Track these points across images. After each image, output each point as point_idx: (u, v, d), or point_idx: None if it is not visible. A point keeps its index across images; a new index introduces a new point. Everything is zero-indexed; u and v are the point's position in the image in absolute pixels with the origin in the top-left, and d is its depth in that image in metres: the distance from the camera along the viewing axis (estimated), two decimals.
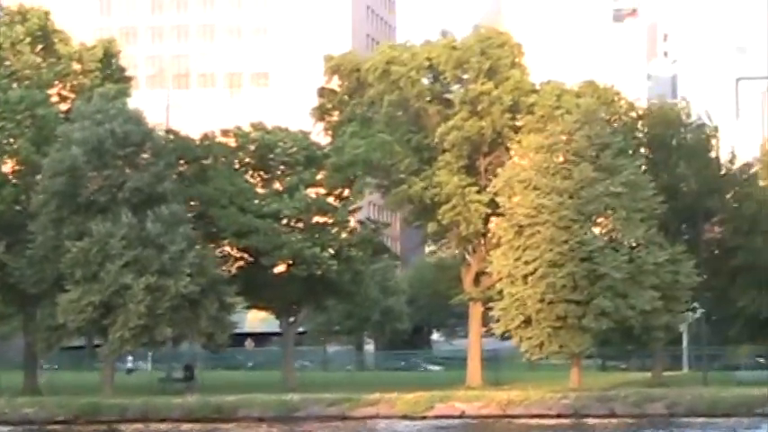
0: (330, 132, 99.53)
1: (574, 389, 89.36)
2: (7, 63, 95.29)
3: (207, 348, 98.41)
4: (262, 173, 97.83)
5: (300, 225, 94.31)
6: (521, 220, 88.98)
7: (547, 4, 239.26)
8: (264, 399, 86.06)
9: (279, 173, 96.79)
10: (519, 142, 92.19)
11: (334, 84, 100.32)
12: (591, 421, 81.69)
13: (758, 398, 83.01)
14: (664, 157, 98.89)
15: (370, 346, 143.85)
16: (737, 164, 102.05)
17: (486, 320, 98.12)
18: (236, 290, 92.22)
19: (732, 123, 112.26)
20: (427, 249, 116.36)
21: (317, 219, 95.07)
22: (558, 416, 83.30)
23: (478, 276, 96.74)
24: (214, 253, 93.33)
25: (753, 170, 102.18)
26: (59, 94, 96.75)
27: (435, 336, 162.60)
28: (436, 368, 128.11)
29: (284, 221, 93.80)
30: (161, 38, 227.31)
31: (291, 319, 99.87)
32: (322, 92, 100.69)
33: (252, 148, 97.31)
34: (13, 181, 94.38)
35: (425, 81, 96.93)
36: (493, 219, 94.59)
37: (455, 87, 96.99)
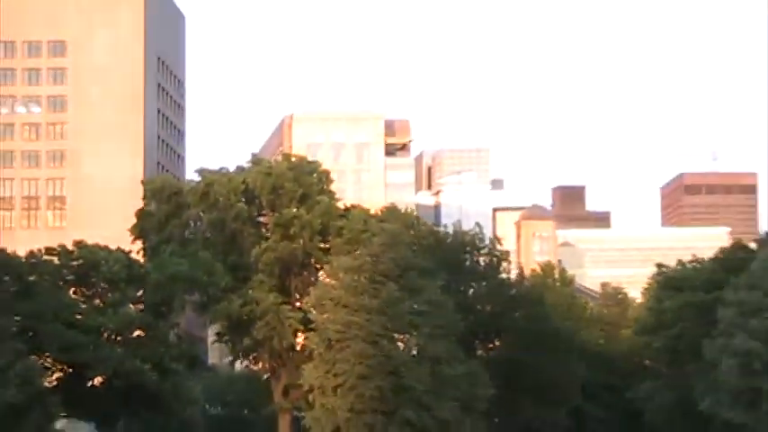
0: (148, 252, 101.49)
1: None
2: None
3: None
4: (84, 289, 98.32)
5: (120, 339, 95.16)
6: (331, 335, 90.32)
7: (325, 134, 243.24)
8: None
9: (101, 289, 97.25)
10: (329, 263, 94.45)
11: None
12: None
13: None
14: (460, 278, 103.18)
15: None
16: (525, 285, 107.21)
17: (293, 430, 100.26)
18: (58, 400, 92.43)
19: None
20: (238, 364, 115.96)
21: (137, 332, 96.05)
22: None
23: (287, 388, 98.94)
24: (38, 365, 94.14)
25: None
26: None
27: None
28: None
29: (106, 335, 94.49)
30: None
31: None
32: (140, 213, 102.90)
33: (75, 265, 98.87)
34: None
35: (241, 204, 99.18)
36: (302, 334, 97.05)
37: (268, 211, 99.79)
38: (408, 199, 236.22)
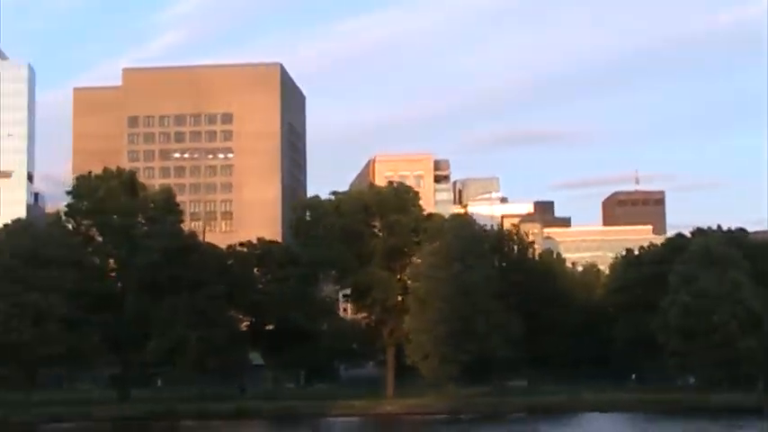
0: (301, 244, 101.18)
1: (451, 398, 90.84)
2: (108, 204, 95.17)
3: None
4: (263, 268, 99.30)
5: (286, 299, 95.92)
6: (422, 296, 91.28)
7: (395, 169, 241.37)
8: None
9: (273, 267, 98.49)
10: (419, 251, 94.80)
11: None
12: (463, 416, 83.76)
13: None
14: (500, 258, 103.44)
15: None
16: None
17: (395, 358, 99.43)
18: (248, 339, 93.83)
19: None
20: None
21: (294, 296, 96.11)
22: (440, 414, 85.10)
23: (392, 331, 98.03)
24: (235, 316, 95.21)
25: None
26: (139, 222, 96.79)
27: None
28: None
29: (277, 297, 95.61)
30: None
31: None
32: (296, 220, 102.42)
33: (256, 253, 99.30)
34: (112, 273, 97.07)
35: (362, 214, 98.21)
36: (401, 297, 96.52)
37: (378, 217, 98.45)
38: (448, 212, 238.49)
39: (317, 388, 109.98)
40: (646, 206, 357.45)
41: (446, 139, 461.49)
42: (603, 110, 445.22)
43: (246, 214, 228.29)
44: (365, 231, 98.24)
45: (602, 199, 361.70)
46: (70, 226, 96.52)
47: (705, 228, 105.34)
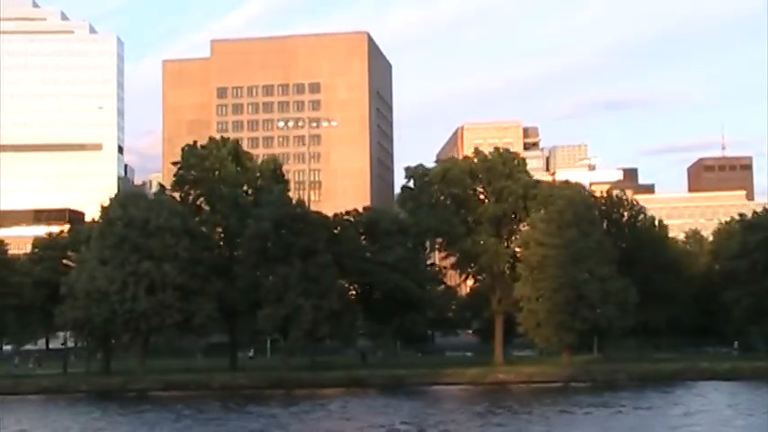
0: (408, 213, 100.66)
1: (566, 366, 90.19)
2: (216, 174, 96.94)
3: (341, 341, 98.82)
4: (370, 237, 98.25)
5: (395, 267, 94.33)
6: (534, 264, 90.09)
7: (484, 137, 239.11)
8: None
9: (381, 236, 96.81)
10: (529, 217, 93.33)
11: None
12: (574, 385, 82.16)
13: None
14: (611, 224, 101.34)
15: None
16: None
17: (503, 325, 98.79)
18: (359, 307, 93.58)
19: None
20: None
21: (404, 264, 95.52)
22: (555, 381, 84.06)
23: (500, 299, 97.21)
24: (345, 285, 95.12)
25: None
26: (245, 191, 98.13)
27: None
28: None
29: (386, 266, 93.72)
30: None
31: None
32: (403, 188, 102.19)
33: (363, 221, 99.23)
34: (220, 242, 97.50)
35: (469, 180, 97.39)
36: (508, 265, 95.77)
37: (485, 184, 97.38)
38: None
39: (417, 357, 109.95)
40: (733, 171, 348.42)
41: (531, 108, 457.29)
42: (686, 76, 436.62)
43: (335, 184, 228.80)
44: (472, 198, 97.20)
45: (687, 165, 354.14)
46: (177, 196, 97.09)
47: None
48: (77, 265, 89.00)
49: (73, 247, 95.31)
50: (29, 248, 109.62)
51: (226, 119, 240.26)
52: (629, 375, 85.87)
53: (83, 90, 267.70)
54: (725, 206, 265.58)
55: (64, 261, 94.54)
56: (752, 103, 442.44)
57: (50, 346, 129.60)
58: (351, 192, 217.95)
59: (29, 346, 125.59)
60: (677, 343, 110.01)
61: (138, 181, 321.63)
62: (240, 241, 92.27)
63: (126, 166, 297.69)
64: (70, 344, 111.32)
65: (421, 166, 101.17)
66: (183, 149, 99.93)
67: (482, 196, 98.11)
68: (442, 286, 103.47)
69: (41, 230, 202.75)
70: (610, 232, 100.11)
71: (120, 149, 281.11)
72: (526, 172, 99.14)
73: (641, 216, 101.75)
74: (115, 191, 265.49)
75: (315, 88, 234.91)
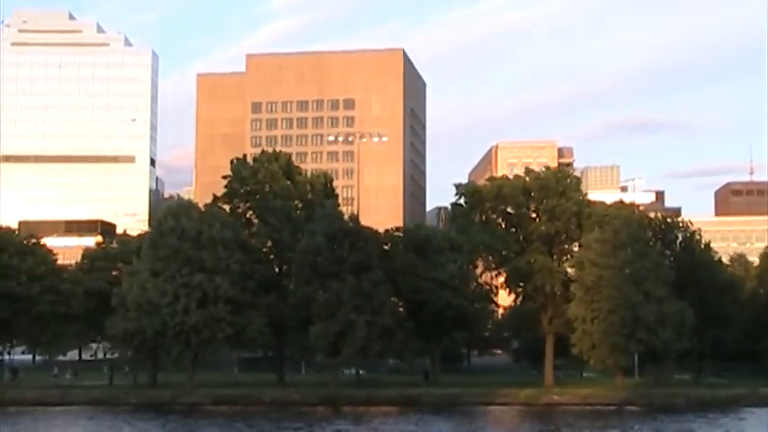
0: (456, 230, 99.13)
1: (619, 389, 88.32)
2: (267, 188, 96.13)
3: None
4: (420, 253, 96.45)
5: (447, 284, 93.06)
6: (589, 284, 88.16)
7: (518, 157, 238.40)
8: None
9: (431, 253, 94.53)
10: (582, 237, 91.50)
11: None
12: (629, 408, 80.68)
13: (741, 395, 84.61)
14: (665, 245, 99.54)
15: None
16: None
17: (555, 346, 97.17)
18: (411, 325, 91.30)
19: None
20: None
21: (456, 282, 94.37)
22: (611, 404, 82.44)
23: (551, 319, 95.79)
24: (396, 302, 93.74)
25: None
26: (296, 206, 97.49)
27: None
28: None
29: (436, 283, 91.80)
30: None
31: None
32: (453, 206, 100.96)
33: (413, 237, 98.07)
34: (271, 256, 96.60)
35: (522, 197, 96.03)
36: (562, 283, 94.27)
37: (538, 203, 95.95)
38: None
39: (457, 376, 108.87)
40: (761, 196, 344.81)
41: (558, 129, 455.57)
42: (714, 99, 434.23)
43: (369, 201, 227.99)
44: (524, 216, 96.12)
45: (713, 189, 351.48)
46: (228, 209, 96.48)
47: None
48: (128, 276, 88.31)
49: (123, 257, 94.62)
50: (60, 259, 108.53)
51: (260, 133, 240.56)
52: (687, 399, 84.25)
53: (117, 102, 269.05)
54: (757, 231, 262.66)
55: (113, 272, 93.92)
56: None
57: (83, 356, 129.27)
58: (384, 209, 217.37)
59: (60, 357, 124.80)
60: (722, 368, 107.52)
61: (165, 194, 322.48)
62: (291, 255, 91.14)
63: (157, 178, 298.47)
64: (101, 355, 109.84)
65: (472, 183, 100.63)
66: (232, 162, 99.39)
67: (533, 215, 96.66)
68: (492, 305, 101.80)
69: (73, 242, 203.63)
70: (663, 254, 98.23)
71: (153, 162, 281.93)
72: (579, 191, 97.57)
73: (696, 238, 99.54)
74: (147, 203, 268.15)
75: (349, 104, 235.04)
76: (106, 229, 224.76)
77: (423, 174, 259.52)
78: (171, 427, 63.95)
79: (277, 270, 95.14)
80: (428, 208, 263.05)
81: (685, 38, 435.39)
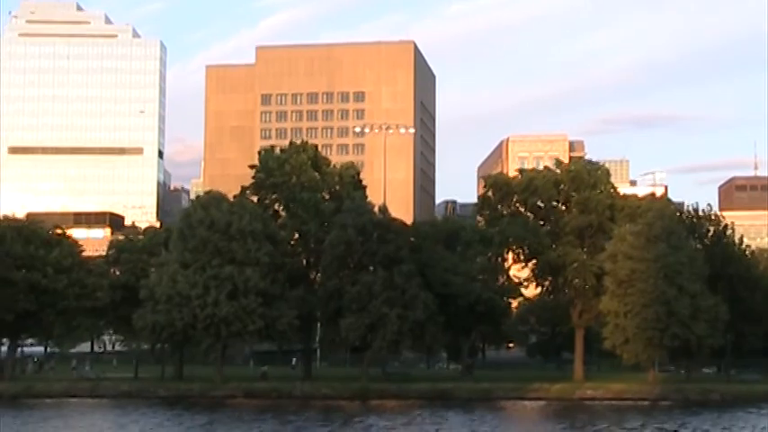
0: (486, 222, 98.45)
1: (652, 383, 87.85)
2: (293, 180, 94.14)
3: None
4: (449, 246, 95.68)
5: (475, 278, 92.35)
6: (622, 277, 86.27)
7: (529, 150, 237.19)
8: None
9: (461, 247, 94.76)
10: (616, 230, 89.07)
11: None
12: (663, 403, 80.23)
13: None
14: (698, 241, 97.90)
15: None
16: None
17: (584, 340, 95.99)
18: (442, 319, 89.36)
19: None
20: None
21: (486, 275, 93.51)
22: (644, 399, 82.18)
23: (581, 313, 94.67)
24: (426, 296, 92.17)
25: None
26: (323, 197, 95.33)
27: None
28: None
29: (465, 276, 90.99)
30: None
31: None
32: (481, 199, 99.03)
33: (443, 230, 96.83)
34: (299, 248, 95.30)
35: (553, 189, 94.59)
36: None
37: (569, 195, 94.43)
38: None
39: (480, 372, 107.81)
40: (765, 191, 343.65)
41: (561, 122, 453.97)
42: (718, 94, 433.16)
43: (378, 193, 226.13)
44: (555, 207, 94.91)
45: (717, 184, 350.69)
46: (255, 200, 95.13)
47: None
48: (157, 268, 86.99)
49: (150, 249, 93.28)
50: None
51: (269, 126, 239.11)
52: (722, 395, 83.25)
53: (125, 94, 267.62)
54: (761, 226, 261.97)
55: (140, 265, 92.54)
56: None
57: (95, 349, 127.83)
58: (394, 202, 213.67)
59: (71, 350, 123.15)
60: (749, 363, 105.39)
61: (171, 187, 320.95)
62: (319, 248, 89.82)
63: (164, 170, 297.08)
64: (110, 347, 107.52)
65: (501, 175, 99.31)
66: (259, 153, 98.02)
67: (563, 207, 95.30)
68: (521, 298, 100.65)
69: (82, 233, 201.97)
70: (696, 248, 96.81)
71: (161, 154, 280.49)
72: (610, 183, 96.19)
73: (729, 232, 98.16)
74: (155, 196, 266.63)
75: (359, 97, 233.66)
76: (115, 220, 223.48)
77: (432, 167, 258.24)
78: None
79: (305, 262, 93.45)
80: (438, 200, 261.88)
81: (690, 32, 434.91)
